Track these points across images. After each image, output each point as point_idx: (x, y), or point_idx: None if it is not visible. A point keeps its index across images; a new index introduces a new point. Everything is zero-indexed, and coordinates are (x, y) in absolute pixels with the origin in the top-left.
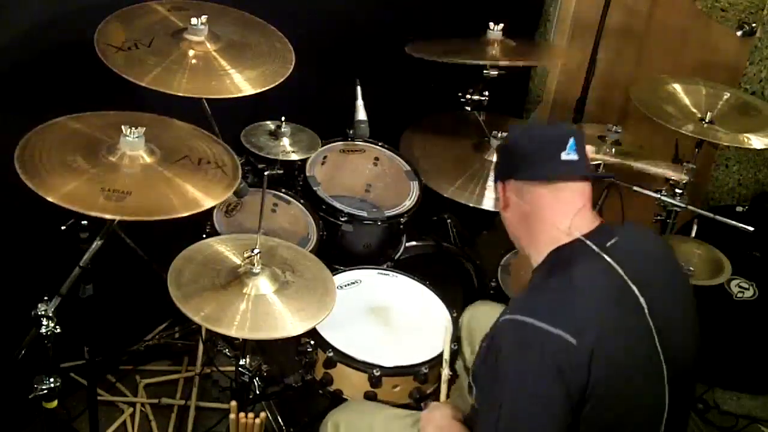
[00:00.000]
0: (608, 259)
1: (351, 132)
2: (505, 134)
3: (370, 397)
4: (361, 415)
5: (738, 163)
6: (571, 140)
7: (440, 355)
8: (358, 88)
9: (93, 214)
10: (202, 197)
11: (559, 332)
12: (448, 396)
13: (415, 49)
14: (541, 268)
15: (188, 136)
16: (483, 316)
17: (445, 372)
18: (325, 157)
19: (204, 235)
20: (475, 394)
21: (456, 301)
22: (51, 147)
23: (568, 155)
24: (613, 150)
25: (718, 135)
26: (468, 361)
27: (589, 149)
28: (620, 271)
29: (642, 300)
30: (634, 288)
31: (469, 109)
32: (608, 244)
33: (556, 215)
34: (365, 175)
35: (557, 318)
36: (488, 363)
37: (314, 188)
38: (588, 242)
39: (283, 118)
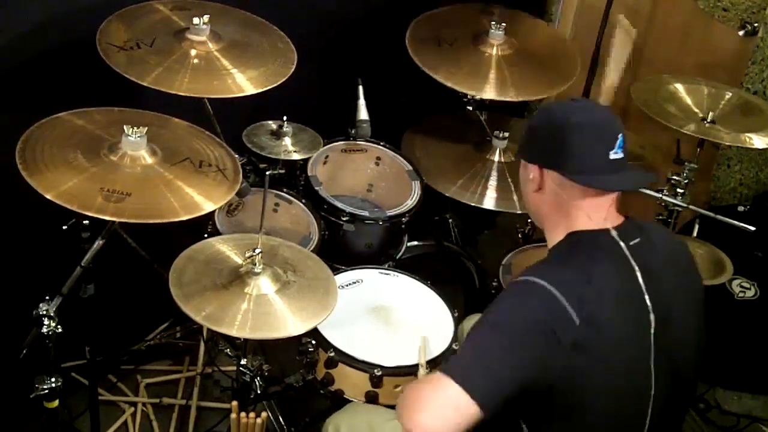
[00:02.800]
0: (631, 260)
1: (353, 131)
2: (533, 116)
3: (371, 396)
4: (361, 417)
5: (740, 162)
6: (620, 137)
7: (441, 355)
8: (360, 88)
9: (90, 214)
10: (203, 200)
11: (567, 306)
12: None
13: (413, 44)
14: (560, 247)
15: (190, 137)
16: None
17: (421, 372)
18: (326, 157)
19: (205, 235)
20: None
21: (457, 301)
22: (53, 142)
23: (616, 154)
24: None
25: (720, 135)
26: None
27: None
28: (639, 276)
29: (652, 315)
30: (647, 299)
31: (470, 108)
32: (632, 242)
33: (593, 209)
34: (367, 174)
35: (568, 292)
36: (486, 309)
37: (316, 188)
38: (616, 237)
39: (284, 118)
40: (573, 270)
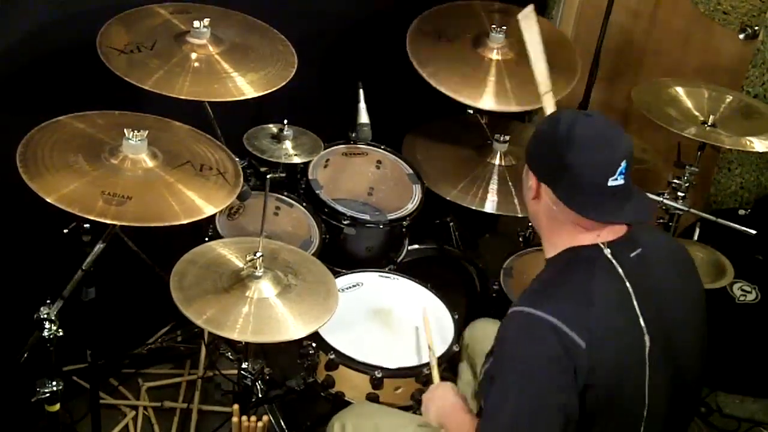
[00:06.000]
0: (625, 280)
1: (353, 135)
2: (533, 130)
3: (372, 399)
4: (367, 416)
5: (740, 166)
6: (623, 164)
7: (442, 356)
8: (361, 91)
9: (91, 217)
10: (204, 204)
11: (572, 334)
12: (441, 379)
13: (413, 50)
14: (556, 262)
15: (191, 140)
16: (483, 333)
17: (431, 355)
18: (327, 160)
19: (206, 238)
20: (482, 390)
21: (458, 304)
22: (53, 146)
23: (615, 180)
24: None
25: (721, 138)
26: (467, 380)
27: None
28: (633, 298)
29: (646, 337)
30: (642, 321)
31: (471, 111)
32: (632, 254)
33: (587, 226)
34: (368, 178)
35: (572, 320)
36: (496, 355)
37: (317, 191)
38: (609, 255)
39: (285, 121)
40: (573, 293)
